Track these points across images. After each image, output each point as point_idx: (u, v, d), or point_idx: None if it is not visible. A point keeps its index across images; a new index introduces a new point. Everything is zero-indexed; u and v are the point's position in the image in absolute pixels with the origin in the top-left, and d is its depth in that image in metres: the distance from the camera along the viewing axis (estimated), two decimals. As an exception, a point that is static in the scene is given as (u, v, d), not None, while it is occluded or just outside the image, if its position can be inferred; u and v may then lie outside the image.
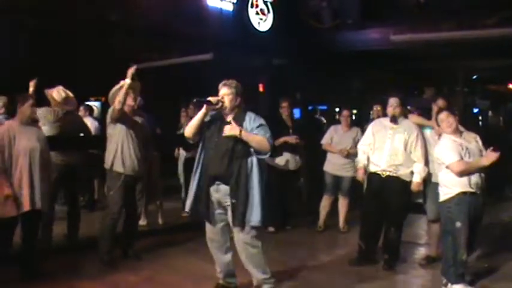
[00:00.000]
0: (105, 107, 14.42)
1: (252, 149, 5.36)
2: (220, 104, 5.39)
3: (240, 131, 5.29)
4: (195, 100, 5.91)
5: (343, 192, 8.94)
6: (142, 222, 8.56)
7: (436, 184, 6.44)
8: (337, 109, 13.92)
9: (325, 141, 8.98)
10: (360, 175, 7.09)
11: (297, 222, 9.19)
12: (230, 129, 5.31)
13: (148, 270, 6.68)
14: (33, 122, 6.17)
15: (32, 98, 5.97)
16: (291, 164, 8.78)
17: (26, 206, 5.81)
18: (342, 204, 9.00)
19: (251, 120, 5.46)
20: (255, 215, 5.33)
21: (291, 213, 9.18)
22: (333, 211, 9.06)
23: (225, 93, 5.42)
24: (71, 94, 7.46)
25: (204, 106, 5.35)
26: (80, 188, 8.44)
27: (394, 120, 6.85)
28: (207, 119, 5.51)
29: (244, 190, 5.31)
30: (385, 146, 6.80)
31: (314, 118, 13.23)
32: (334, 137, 8.91)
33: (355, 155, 8.56)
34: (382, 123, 7.05)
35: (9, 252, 6.06)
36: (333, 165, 8.89)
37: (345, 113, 9.00)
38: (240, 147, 5.34)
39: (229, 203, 5.40)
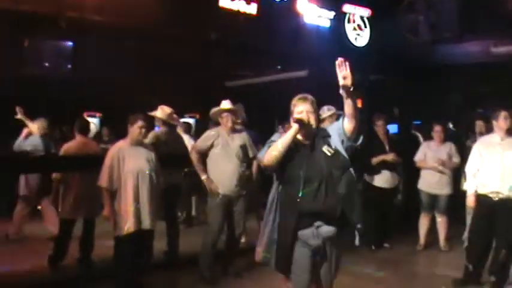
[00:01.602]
0: (199, 123, 14.71)
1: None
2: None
3: None
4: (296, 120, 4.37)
5: (440, 210, 8.71)
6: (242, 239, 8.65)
7: None
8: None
9: (418, 157, 8.79)
10: (472, 202, 6.76)
11: (396, 240, 9.03)
12: None
13: (248, 288, 6.68)
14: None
15: (142, 119, 6.06)
16: (389, 182, 8.65)
17: (131, 227, 5.90)
18: (441, 223, 8.77)
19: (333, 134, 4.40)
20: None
21: (389, 231, 9.02)
22: (433, 229, 8.85)
23: (308, 109, 4.38)
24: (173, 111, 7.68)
25: (296, 126, 4.28)
26: (179, 205, 8.62)
27: (508, 133, 6.52)
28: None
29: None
30: (495, 166, 6.49)
31: (411, 134, 12.96)
32: (428, 153, 8.70)
33: (450, 170, 8.44)
34: (488, 140, 6.75)
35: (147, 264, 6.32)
36: (428, 183, 8.68)
37: (437, 128, 8.77)
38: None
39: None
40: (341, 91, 4.13)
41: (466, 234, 8.35)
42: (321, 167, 4.21)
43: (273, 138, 4.50)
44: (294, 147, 4.28)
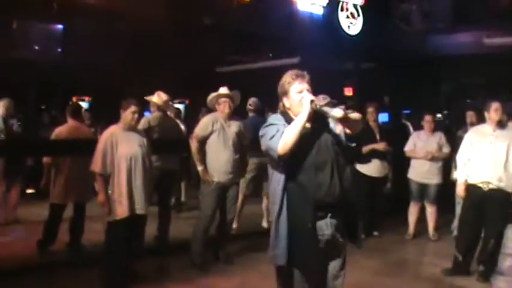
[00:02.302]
0: (189, 109, 14.69)
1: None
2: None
3: None
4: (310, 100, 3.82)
5: (429, 199, 8.76)
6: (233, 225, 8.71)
7: None
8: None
9: (408, 147, 8.83)
10: (462, 190, 6.81)
11: (385, 229, 9.06)
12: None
13: (239, 275, 6.70)
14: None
15: (135, 104, 6.01)
16: (379, 171, 8.68)
17: (124, 212, 5.87)
18: (430, 213, 8.83)
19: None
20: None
21: (378, 220, 9.05)
22: (423, 217, 8.90)
23: (308, 88, 3.93)
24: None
25: (309, 107, 3.78)
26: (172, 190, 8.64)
27: (499, 125, 6.58)
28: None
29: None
30: (486, 156, 6.53)
31: (401, 123, 13.00)
32: (418, 143, 8.75)
33: (440, 159, 8.47)
34: (481, 130, 6.77)
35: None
36: (418, 172, 8.73)
37: (428, 117, 8.79)
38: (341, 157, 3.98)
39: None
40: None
41: (455, 224, 8.42)
42: (329, 153, 3.88)
43: (272, 121, 3.94)
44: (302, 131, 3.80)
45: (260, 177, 8.67)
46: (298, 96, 3.89)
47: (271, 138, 3.79)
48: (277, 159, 3.78)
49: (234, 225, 8.54)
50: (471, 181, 6.67)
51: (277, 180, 3.88)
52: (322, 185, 3.80)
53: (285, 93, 3.97)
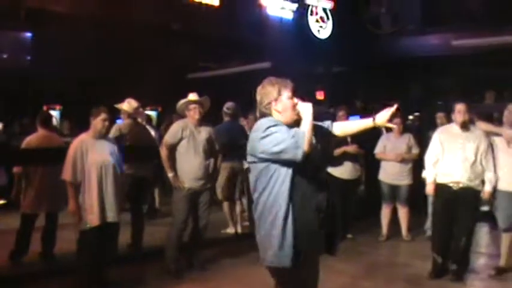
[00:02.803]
0: (161, 116, 14.62)
1: None
2: None
3: None
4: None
5: (400, 201, 8.84)
6: (230, 230, 8.95)
7: (505, 192, 6.56)
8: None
9: (378, 150, 8.90)
10: (431, 190, 6.86)
11: (358, 231, 9.10)
12: None
13: (213, 280, 6.69)
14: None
15: (105, 112, 5.98)
16: (351, 173, 8.71)
17: (95, 221, 5.84)
18: (402, 213, 8.91)
19: None
20: None
21: (351, 222, 9.09)
22: (396, 219, 8.97)
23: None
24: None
25: (311, 110, 3.94)
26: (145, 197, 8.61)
27: (464, 126, 6.65)
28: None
29: None
30: (457, 156, 6.59)
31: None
32: (387, 145, 8.83)
33: (410, 161, 8.55)
34: (450, 131, 6.81)
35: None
36: (388, 174, 8.81)
37: (396, 120, 8.86)
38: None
39: None
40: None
41: (428, 224, 8.51)
42: (321, 156, 4.08)
43: (273, 123, 3.91)
44: None
45: (233, 181, 8.69)
46: (289, 102, 3.96)
47: (293, 137, 3.78)
48: (299, 158, 3.77)
49: (232, 230, 8.76)
50: (442, 181, 6.72)
51: (280, 181, 3.87)
52: (321, 188, 3.91)
53: (275, 99, 3.97)
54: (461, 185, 6.58)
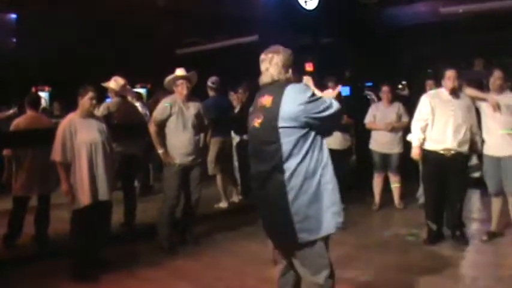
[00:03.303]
0: (150, 93, 14.57)
1: None
2: None
3: None
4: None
5: (392, 169, 8.87)
6: (222, 204, 8.99)
7: (492, 157, 6.63)
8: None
9: (368, 119, 8.92)
10: (417, 154, 6.89)
11: (351, 201, 9.10)
12: None
13: (207, 255, 6.73)
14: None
15: (93, 91, 5.95)
16: (341, 144, 8.71)
17: (87, 200, 5.85)
18: (393, 182, 8.94)
19: None
20: None
21: (343, 192, 9.08)
22: (388, 188, 9.00)
23: None
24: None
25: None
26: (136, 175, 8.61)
27: (454, 93, 6.66)
28: None
29: None
30: (448, 123, 6.61)
31: (362, 96, 13.06)
32: (377, 114, 8.84)
33: (400, 129, 8.56)
34: (441, 97, 6.77)
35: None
36: (379, 143, 8.83)
37: (385, 88, 8.88)
38: None
39: None
40: None
41: (420, 192, 8.56)
42: None
43: (317, 94, 3.91)
44: None
45: (226, 155, 8.73)
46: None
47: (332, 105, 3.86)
48: (340, 125, 4.03)
49: (223, 205, 8.86)
50: (432, 148, 6.73)
51: (318, 147, 3.85)
52: None
53: (291, 65, 3.97)
54: (452, 152, 6.61)
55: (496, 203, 6.96)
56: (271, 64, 3.92)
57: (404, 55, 14.67)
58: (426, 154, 6.82)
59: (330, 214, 3.86)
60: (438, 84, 7.76)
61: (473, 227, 7.68)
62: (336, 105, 3.85)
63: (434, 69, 14.05)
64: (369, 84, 15.10)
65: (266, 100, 3.88)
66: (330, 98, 3.92)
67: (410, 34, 12.60)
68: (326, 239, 3.94)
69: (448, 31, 12.87)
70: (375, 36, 11.84)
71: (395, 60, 14.06)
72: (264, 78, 3.96)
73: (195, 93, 7.08)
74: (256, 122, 3.92)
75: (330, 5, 11.23)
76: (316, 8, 11.05)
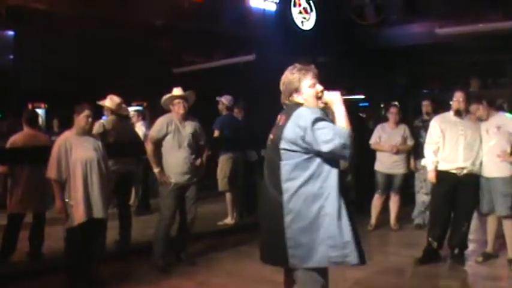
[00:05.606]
0: (147, 111, 14.57)
1: None
2: None
3: None
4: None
5: (394, 189, 8.86)
6: (228, 221, 9.07)
7: (488, 178, 6.64)
8: (381, 105, 13.79)
9: (373, 140, 8.88)
10: (433, 177, 6.92)
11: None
12: None
13: (202, 274, 6.69)
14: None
15: (89, 108, 5.97)
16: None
17: (81, 217, 5.82)
18: (394, 202, 8.94)
19: None
20: None
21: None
22: (384, 208, 8.99)
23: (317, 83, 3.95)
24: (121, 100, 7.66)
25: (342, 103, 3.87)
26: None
27: (459, 114, 6.76)
28: None
29: None
30: (459, 143, 6.70)
31: (358, 116, 13.11)
32: (382, 136, 8.81)
33: (405, 151, 8.57)
34: (448, 119, 6.89)
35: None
36: (384, 164, 8.79)
37: (393, 110, 8.87)
38: None
39: None
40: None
41: (415, 213, 8.60)
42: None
43: (319, 115, 3.71)
44: None
45: (236, 172, 8.90)
46: (311, 90, 3.83)
47: (340, 137, 3.61)
48: (346, 158, 3.77)
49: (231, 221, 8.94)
50: (444, 168, 6.81)
51: (326, 172, 3.72)
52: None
53: (296, 89, 3.85)
54: (465, 171, 6.69)
55: (491, 223, 6.97)
56: (283, 85, 3.91)
57: (400, 75, 14.73)
58: (439, 174, 6.87)
59: (324, 247, 3.74)
60: (434, 105, 7.88)
61: (468, 248, 7.66)
62: (339, 140, 3.60)
63: (430, 89, 14.17)
64: (365, 104, 15.16)
65: (281, 119, 3.86)
66: (338, 128, 3.66)
67: (406, 54, 12.68)
68: (325, 269, 3.89)
69: (444, 52, 12.95)
70: (371, 57, 11.90)
71: (391, 80, 14.15)
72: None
73: (193, 111, 7.08)
74: (270, 138, 3.91)
75: (327, 25, 11.30)
76: (312, 28, 11.12)
